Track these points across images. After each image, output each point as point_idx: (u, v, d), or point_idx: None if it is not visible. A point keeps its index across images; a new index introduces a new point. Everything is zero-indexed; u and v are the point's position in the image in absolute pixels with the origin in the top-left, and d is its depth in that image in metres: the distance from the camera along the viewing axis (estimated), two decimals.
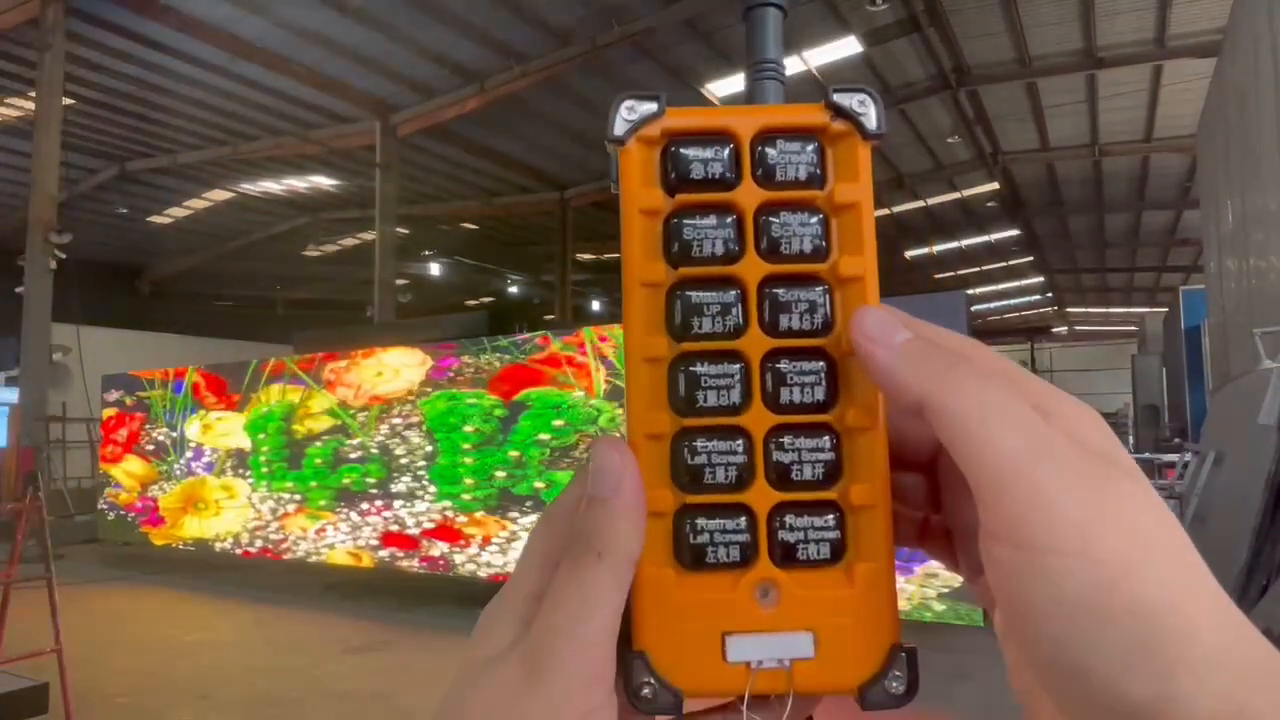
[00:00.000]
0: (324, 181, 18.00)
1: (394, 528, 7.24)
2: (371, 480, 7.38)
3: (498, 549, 6.68)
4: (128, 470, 9.54)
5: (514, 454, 6.60)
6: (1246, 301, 8.88)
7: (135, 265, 23.51)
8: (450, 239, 22.48)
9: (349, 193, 18.47)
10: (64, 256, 10.82)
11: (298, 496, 7.89)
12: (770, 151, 0.32)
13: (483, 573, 6.78)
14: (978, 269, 28.00)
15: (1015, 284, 30.78)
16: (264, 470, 8.17)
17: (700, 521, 0.30)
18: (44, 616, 3.99)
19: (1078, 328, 39.37)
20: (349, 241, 21.92)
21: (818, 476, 0.30)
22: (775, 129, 0.32)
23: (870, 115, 0.32)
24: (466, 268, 24.74)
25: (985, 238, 24.05)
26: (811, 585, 0.30)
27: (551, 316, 22.22)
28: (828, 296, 0.31)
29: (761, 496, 0.30)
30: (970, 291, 27.52)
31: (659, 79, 13.39)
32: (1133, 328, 32.80)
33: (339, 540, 7.61)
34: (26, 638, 4.05)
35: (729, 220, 0.31)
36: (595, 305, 29.36)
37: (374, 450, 7.38)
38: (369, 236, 17.07)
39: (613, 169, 0.33)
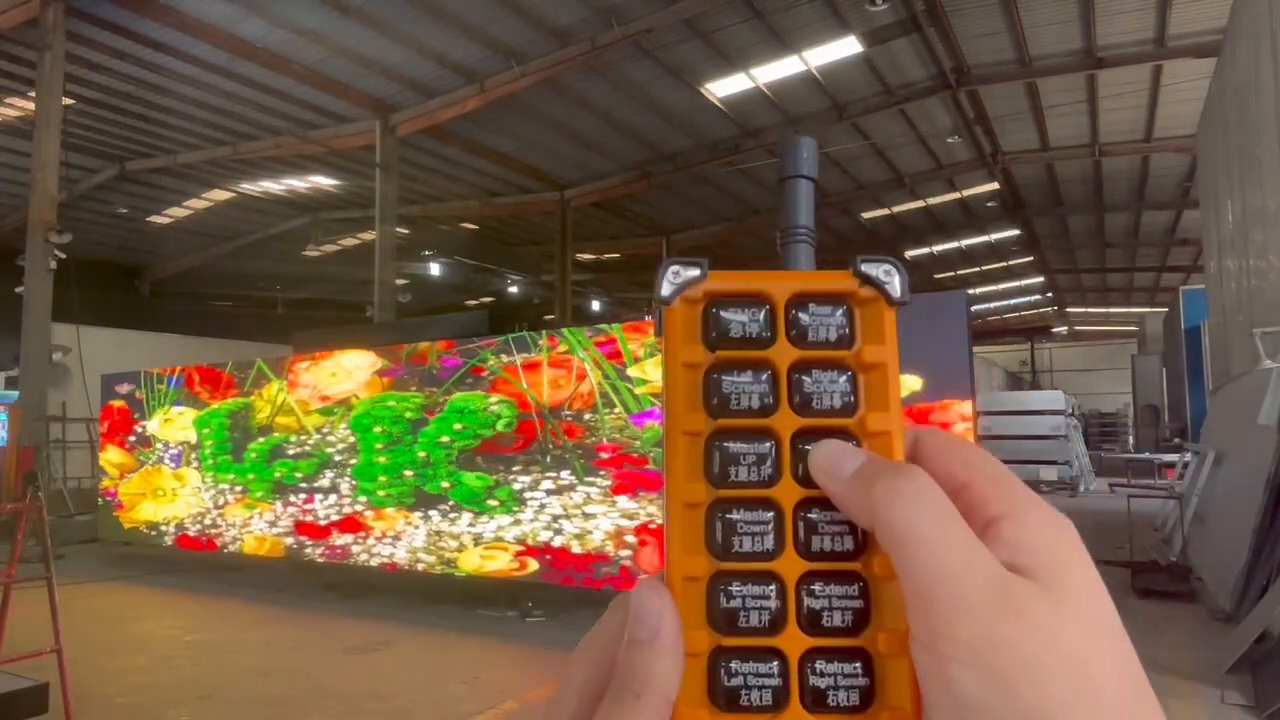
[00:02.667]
0: (324, 181, 18.01)
1: (308, 519, 7.76)
2: (300, 475, 7.85)
3: (390, 541, 7.18)
4: (109, 460, 9.96)
5: (421, 454, 6.99)
6: (1246, 301, 8.88)
7: (135, 265, 23.53)
8: (450, 239, 22.48)
9: (349, 193, 18.48)
10: (64, 256, 10.82)
11: (239, 488, 8.40)
12: (803, 314, 0.34)
13: (374, 562, 7.31)
14: (978, 269, 28.02)
15: (1015, 284, 30.80)
16: (210, 463, 8.69)
17: (734, 664, 0.31)
18: (44, 616, 3.99)
19: (1078, 328, 39.39)
20: (349, 241, 21.93)
21: (847, 623, 0.32)
22: (808, 294, 0.34)
23: (895, 284, 0.34)
24: (466, 268, 24.75)
25: (985, 238, 24.08)
26: None
27: (551, 316, 22.23)
28: None
29: (793, 641, 0.32)
30: (970, 291, 27.53)
31: (659, 79, 13.39)
32: (1133, 328, 32.84)
33: (259, 528, 8.16)
34: (26, 638, 4.05)
35: (764, 376, 0.34)
36: (595, 305, 29.37)
37: (309, 447, 7.80)
38: (369, 236, 17.08)
39: (658, 324, 0.35)
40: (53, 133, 10.93)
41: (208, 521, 8.67)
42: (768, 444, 0.33)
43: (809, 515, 0.32)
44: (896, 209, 21.10)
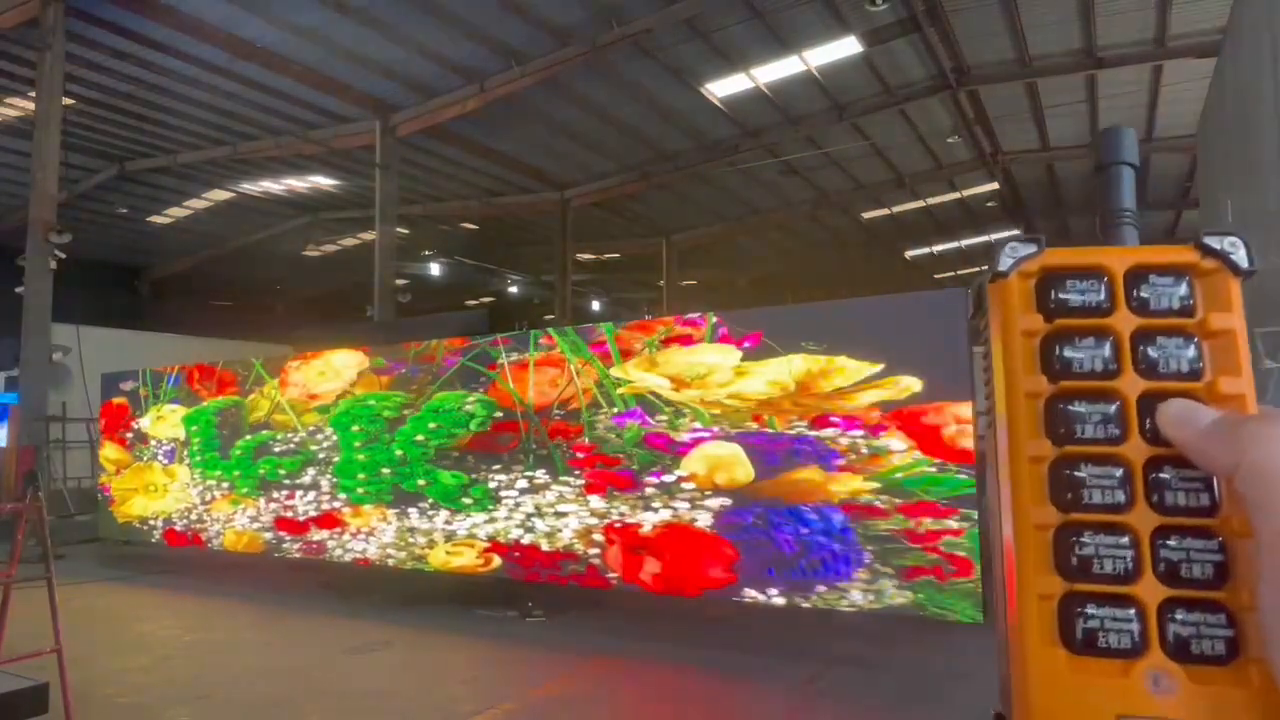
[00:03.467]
0: (324, 181, 18.01)
1: (289, 515, 7.88)
2: (284, 471, 7.95)
3: (364, 537, 7.30)
4: (107, 456, 10.03)
5: (399, 453, 7.08)
6: (1247, 301, 8.87)
7: (135, 265, 23.53)
8: (450, 239, 22.48)
9: (349, 193, 18.47)
10: (64, 256, 10.82)
11: (225, 484, 8.51)
12: (1143, 285, 0.35)
13: (347, 557, 7.42)
14: (978, 269, 27.96)
15: None
16: (198, 459, 8.81)
17: (1090, 609, 0.33)
18: (44, 616, 3.99)
19: None
20: (349, 241, 21.93)
21: (1207, 575, 0.32)
22: (1147, 265, 0.36)
23: (1240, 255, 0.36)
24: (466, 268, 24.75)
25: (985, 238, 24.08)
26: (1206, 680, 0.32)
27: (551, 316, 22.23)
28: None
29: (1150, 590, 0.32)
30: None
31: (659, 79, 13.39)
32: None
33: (241, 524, 8.28)
34: (26, 638, 4.05)
35: (1106, 342, 0.35)
36: (595, 305, 29.35)
37: (294, 445, 7.91)
38: (369, 236, 17.08)
39: (979, 301, 0.37)
40: (53, 133, 10.93)
41: (194, 517, 8.77)
42: (1114, 404, 0.34)
43: (1160, 471, 0.33)
44: (896, 209, 21.09)
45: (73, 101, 12.68)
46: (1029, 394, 0.35)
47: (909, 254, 25.37)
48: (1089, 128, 15.74)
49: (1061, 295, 0.35)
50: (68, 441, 13.02)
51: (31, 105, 12.18)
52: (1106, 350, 0.35)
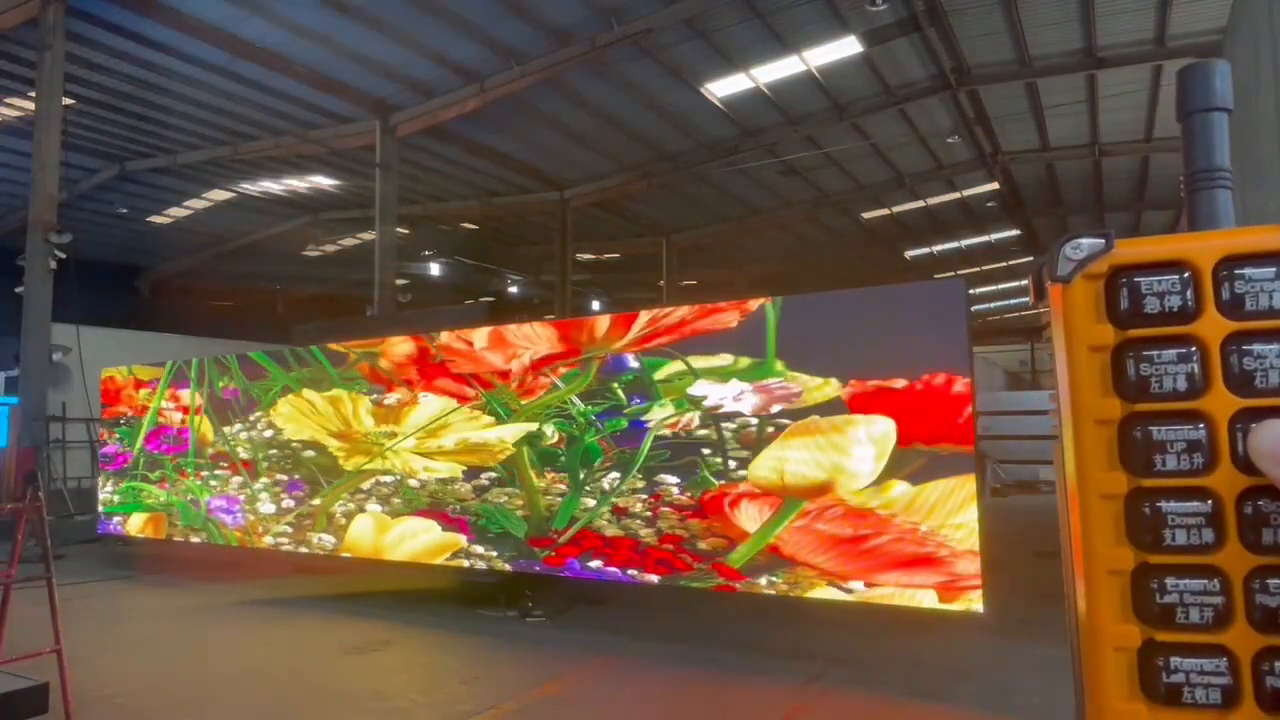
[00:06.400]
0: (324, 181, 18.00)
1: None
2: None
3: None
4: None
5: None
6: None
7: (135, 265, 23.53)
8: (450, 239, 22.48)
9: (349, 193, 18.47)
10: (64, 256, 10.81)
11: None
12: (1236, 279, 0.30)
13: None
14: (978, 269, 28.01)
15: (1015, 284, 30.77)
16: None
17: (1174, 660, 0.29)
18: (44, 616, 3.99)
19: None
20: (349, 241, 21.92)
21: None
22: (1241, 255, 0.30)
23: None
24: (466, 268, 24.76)
25: (985, 238, 24.08)
26: None
27: (551, 316, 22.22)
28: None
29: (1244, 638, 0.29)
30: (970, 291, 27.46)
31: (659, 79, 13.38)
32: None
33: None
34: (26, 638, 4.05)
35: (1191, 353, 0.30)
36: (595, 305, 29.35)
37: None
38: (369, 236, 17.08)
39: (1039, 289, 0.33)
40: (53, 133, 10.92)
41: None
42: (1200, 428, 0.29)
43: (1257, 505, 0.29)
44: (896, 209, 21.10)
45: (73, 101, 12.68)
46: (1099, 421, 0.30)
47: (909, 254, 25.38)
48: (1089, 128, 15.74)
49: (1135, 300, 0.30)
50: (68, 441, 13.02)
51: (31, 105, 12.17)
52: (1191, 363, 0.30)
